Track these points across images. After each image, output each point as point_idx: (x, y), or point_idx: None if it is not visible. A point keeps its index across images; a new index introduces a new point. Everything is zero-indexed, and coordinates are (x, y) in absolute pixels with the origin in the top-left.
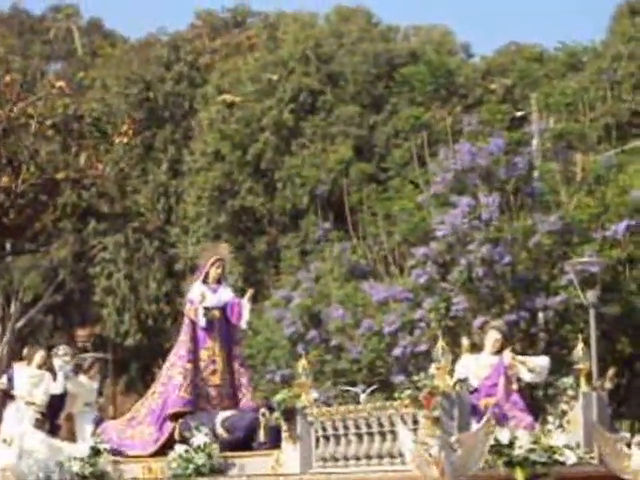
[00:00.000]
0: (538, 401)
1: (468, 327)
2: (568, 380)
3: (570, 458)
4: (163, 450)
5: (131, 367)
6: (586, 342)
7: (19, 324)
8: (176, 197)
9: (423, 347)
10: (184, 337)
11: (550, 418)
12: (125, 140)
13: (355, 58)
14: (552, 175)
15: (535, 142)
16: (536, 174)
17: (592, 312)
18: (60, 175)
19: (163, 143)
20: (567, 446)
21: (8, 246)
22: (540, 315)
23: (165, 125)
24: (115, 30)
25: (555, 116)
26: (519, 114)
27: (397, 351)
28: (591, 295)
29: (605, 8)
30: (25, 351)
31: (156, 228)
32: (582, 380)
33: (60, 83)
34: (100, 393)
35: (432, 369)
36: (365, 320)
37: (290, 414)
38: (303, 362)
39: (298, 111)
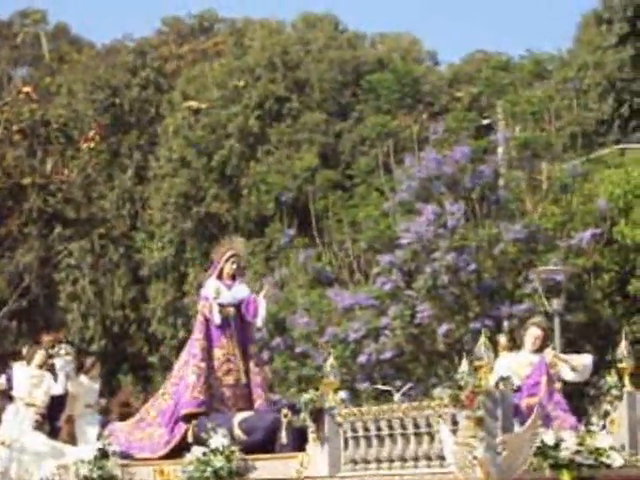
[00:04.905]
0: (580, 401)
1: (433, 335)
2: (612, 379)
3: (617, 460)
4: (173, 453)
5: None
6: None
7: None
8: (142, 203)
9: (388, 354)
10: (198, 335)
11: (594, 419)
12: (92, 145)
13: (321, 65)
14: (517, 183)
15: (501, 150)
16: (502, 182)
17: (557, 320)
18: (26, 180)
19: (129, 149)
20: (613, 448)
21: None
22: (505, 323)
23: (131, 131)
24: (82, 36)
25: (521, 124)
26: (485, 122)
27: (362, 358)
28: (556, 303)
29: (571, 17)
30: (25, 350)
31: (121, 234)
32: (626, 379)
33: (27, 88)
34: (102, 394)
35: (464, 366)
36: (330, 327)
37: (317, 415)
38: (331, 361)
39: (264, 118)
